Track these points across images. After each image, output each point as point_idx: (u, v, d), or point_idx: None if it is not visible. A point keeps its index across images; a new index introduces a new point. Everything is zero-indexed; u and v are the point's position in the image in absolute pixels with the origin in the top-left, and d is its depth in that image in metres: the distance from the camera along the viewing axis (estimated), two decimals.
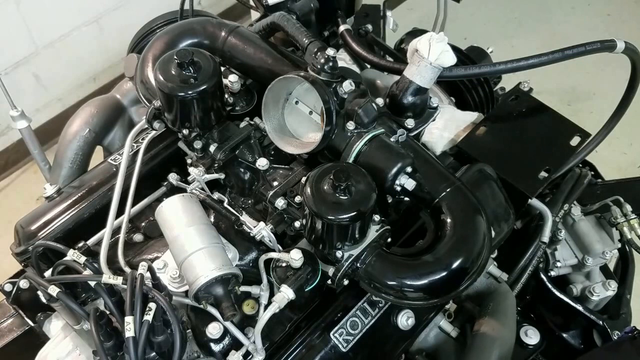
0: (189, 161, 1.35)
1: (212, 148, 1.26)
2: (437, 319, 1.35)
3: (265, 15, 1.55)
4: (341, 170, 1.03)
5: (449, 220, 1.16)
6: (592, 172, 1.63)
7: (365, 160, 1.19)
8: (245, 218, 1.23)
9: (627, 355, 1.18)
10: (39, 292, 1.15)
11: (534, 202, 1.43)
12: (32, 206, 1.41)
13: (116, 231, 1.24)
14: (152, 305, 0.95)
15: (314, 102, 1.24)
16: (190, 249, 1.09)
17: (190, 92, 1.17)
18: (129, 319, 0.93)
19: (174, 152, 1.43)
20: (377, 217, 1.14)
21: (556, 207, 1.49)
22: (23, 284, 1.22)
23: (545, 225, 1.44)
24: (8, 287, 1.24)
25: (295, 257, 1.08)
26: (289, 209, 1.20)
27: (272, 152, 1.33)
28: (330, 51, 1.19)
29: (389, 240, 1.18)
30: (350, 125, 1.21)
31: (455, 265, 1.10)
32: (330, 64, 1.18)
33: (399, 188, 1.19)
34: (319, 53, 1.21)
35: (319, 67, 1.18)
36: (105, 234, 1.21)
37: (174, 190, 1.30)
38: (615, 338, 1.47)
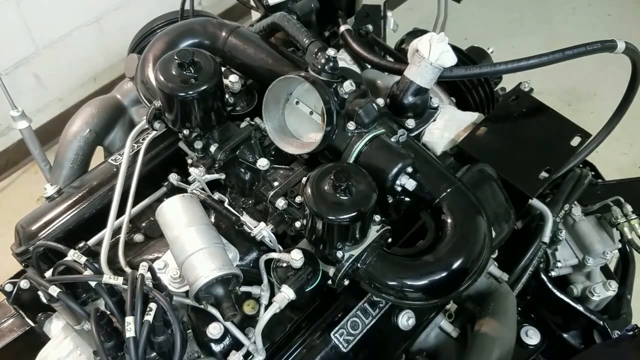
0: (189, 161, 1.35)
1: (212, 148, 1.26)
2: (437, 319, 1.35)
3: (266, 15, 1.55)
4: (342, 171, 1.03)
5: (449, 220, 1.16)
6: (593, 173, 1.62)
7: (366, 161, 1.19)
8: (245, 218, 1.23)
9: (626, 352, 1.18)
10: (40, 293, 1.15)
11: (535, 202, 1.43)
12: (32, 206, 1.41)
13: (117, 231, 1.24)
14: (153, 305, 0.96)
15: (314, 103, 1.24)
16: (190, 249, 1.09)
17: (190, 93, 1.17)
18: (129, 319, 0.93)
19: (174, 152, 1.43)
20: (377, 218, 1.14)
21: (557, 208, 1.49)
22: (24, 284, 1.22)
23: (545, 226, 1.44)
24: (9, 288, 1.24)
25: (295, 257, 1.08)
26: (289, 209, 1.20)
27: (273, 153, 1.33)
28: (330, 51, 1.19)
29: (390, 240, 1.18)
30: (351, 126, 1.21)
31: (455, 265, 1.10)
32: (331, 64, 1.18)
33: (399, 188, 1.19)
34: (319, 53, 1.21)
35: (319, 67, 1.18)
36: (106, 234, 1.21)
37: (174, 190, 1.30)
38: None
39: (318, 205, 1.03)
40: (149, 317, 0.94)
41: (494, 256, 1.43)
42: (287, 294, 1.08)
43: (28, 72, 2.80)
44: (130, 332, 0.92)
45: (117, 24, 2.95)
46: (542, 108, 1.51)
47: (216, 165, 1.27)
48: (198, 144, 1.26)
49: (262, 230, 1.18)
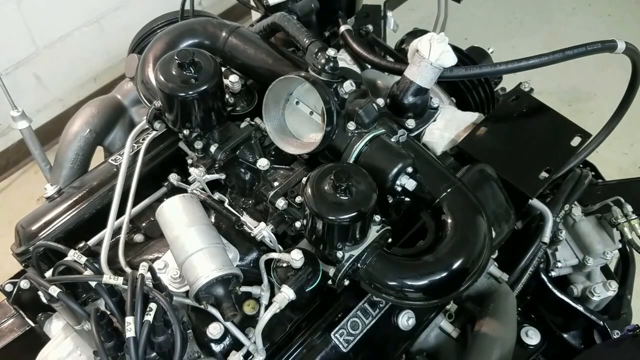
0: (189, 161, 1.35)
1: (212, 148, 1.26)
2: (437, 319, 1.35)
3: (266, 15, 1.55)
4: (342, 171, 1.03)
5: (449, 220, 1.15)
6: (593, 173, 1.62)
7: (366, 161, 1.19)
8: (245, 218, 1.23)
9: (627, 352, 1.18)
10: (40, 293, 1.15)
11: (535, 202, 1.43)
12: (32, 206, 1.41)
13: (117, 231, 1.24)
14: (153, 305, 0.96)
15: (314, 103, 1.24)
16: (190, 249, 1.09)
17: (191, 93, 1.17)
18: (129, 320, 0.93)
19: (174, 152, 1.43)
20: (377, 218, 1.14)
21: (557, 208, 1.49)
22: (24, 284, 1.22)
23: (545, 226, 1.44)
24: (9, 288, 1.24)
25: (296, 257, 1.08)
26: (289, 210, 1.20)
27: (273, 153, 1.33)
28: (330, 51, 1.19)
29: (390, 240, 1.18)
30: (351, 126, 1.21)
31: (455, 265, 1.10)
32: (331, 64, 1.18)
33: (399, 188, 1.19)
34: (319, 53, 1.21)
35: (319, 67, 1.18)
36: (106, 234, 1.21)
37: (174, 190, 1.30)
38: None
39: (318, 205, 1.03)
40: (149, 317, 0.94)
41: (494, 256, 1.43)
42: (287, 294, 1.08)
43: (28, 72, 2.79)
44: (130, 332, 0.92)
45: (118, 24, 2.94)
46: (542, 108, 1.51)
47: (216, 166, 1.27)
48: (198, 144, 1.26)
49: (262, 230, 1.18)
